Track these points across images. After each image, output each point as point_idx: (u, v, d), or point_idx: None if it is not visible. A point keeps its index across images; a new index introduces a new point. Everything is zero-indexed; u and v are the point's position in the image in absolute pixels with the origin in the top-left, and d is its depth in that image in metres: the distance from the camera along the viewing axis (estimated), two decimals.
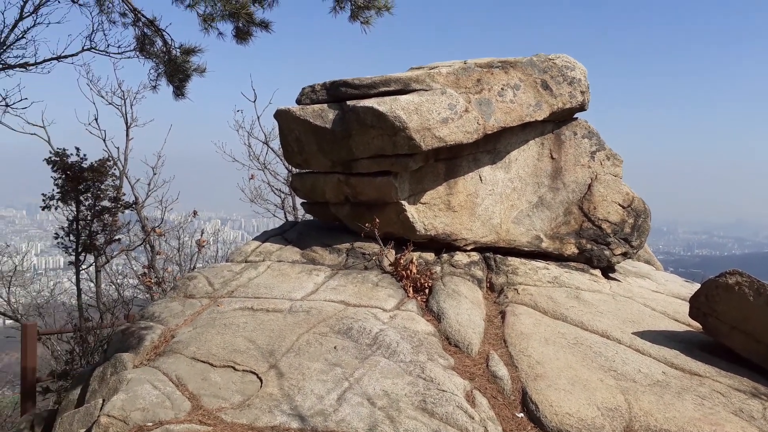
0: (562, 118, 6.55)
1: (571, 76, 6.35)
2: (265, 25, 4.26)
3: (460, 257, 6.22)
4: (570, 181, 6.56)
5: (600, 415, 3.83)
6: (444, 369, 4.23)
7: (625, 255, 6.67)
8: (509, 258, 6.38)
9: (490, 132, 5.89)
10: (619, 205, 6.61)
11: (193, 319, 4.85)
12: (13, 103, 6.98)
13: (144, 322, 4.88)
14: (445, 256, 6.24)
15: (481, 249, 6.46)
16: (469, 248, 6.39)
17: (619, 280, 6.58)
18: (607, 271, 6.75)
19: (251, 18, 3.98)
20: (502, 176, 6.40)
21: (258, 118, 11.07)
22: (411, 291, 5.54)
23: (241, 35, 4.16)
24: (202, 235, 9.80)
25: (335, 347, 4.34)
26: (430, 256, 6.28)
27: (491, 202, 6.34)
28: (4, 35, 6.12)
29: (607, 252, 6.53)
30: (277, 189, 11.06)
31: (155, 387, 3.77)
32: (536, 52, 6.52)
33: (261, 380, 3.95)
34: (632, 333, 5.08)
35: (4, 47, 6.03)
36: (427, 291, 5.58)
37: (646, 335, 5.08)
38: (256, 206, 11.39)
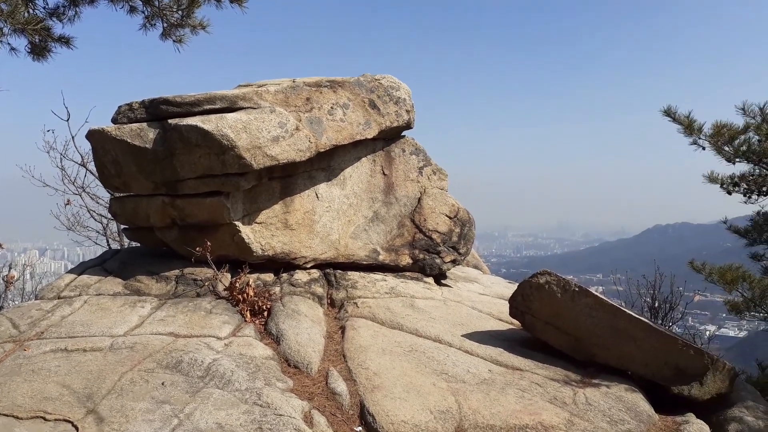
0: (391, 136, 6.82)
1: (397, 95, 6.64)
2: (66, 41, 3.87)
3: (300, 275, 6.18)
4: (402, 196, 6.84)
5: (433, 419, 4.00)
6: (282, 392, 4.13)
7: (454, 262, 7.10)
8: (349, 272, 6.47)
9: (322, 150, 5.94)
10: (447, 216, 7.03)
11: None
12: None
13: None
14: (284, 275, 6.15)
15: (322, 266, 6.48)
16: (309, 266, 6.37)
17: (450, 286, 6.98)
18: (440, 278, 7.13)
19: (48, 33, 3.59)
20: (338, 193, 6.48)
21: (73, 138, 10.01)
22: (248, 315, 5.36)
23: (38, 51, 3.74)
24: (9, 271, 8.64)
25: (163, 383, 4.04)
26: (269, 276, 6.14)
27: (329, 218, 6.39)
28: None
29: (438, 260, 6.90)
30: (98, 214, 10.12)
31: None
32: (369, 72, 6.72)
33: (77, 428, 3.54)
34: (461, 335, 5.40)
35: None
36: (266, 313, 5.45)
37: (474, 336, 5.42)
38: (74, 234, 10.31)
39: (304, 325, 5.21)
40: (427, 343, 5.20)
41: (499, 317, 6.15)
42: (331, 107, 6.09)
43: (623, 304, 6.85)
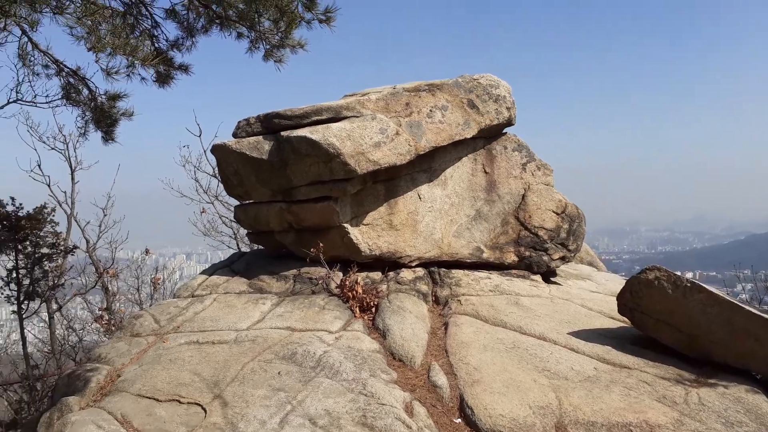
0: (491, 134, 6.86)
1: (496, 93, 6.67)
2: (185, 69, 4.44)
3: (406, 274, 6.42)
4: (504, 193, 6.85)
5: (531, 414, 4.04)
6: (386, 383, 4.38)
7: (563, 259, 6.97)
8: (453, 271, 6.60)
9: (422, 152, 6.14)
10: (553, 212, 6.92)
11: (139, 357, 4.91)
12: None
13: (90, 364, 4.91)
14: (391, 273, 6.42)
15: (426, 264, 6.67)
16: (413, 264, 6.59)
17: (559, 284, 6.87)
18: (549, 275, 7.04)
19: (170, 63, 4.15)
20: (439, 193, 6.65)
21: (204, 152, 11.16)
22: (358, 311, 5.69)
23: (162, 79, 4.32)
24: (156, 273, 9.78)
25: (279, 372, 4.46)
26: (377, 275, 6.45)
27: (431, 218, 6.57)
28: None
29: (545, 257, 6.82)
30: (230, 220, 11.13)
31: (99, 427, 3.83)
32: (470, 70, 6.84)
33: (206, 411, 4.04)
34: (567, 333, 5.33)
35: None
36: (373, 309, 5.74)
37: (580, 334, 5.33)
38: (211, 239, 11.42)
39: (409, 320, 5.43)
40: (530, 340, 5.21)
41: (610, 315, 5.96)
42: (430, 110, 6.27)
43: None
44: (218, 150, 6.37)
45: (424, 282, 6.35)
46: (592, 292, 6.79)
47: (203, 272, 6.93)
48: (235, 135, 6.43)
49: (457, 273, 6.54)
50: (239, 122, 6.45)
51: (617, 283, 7.53)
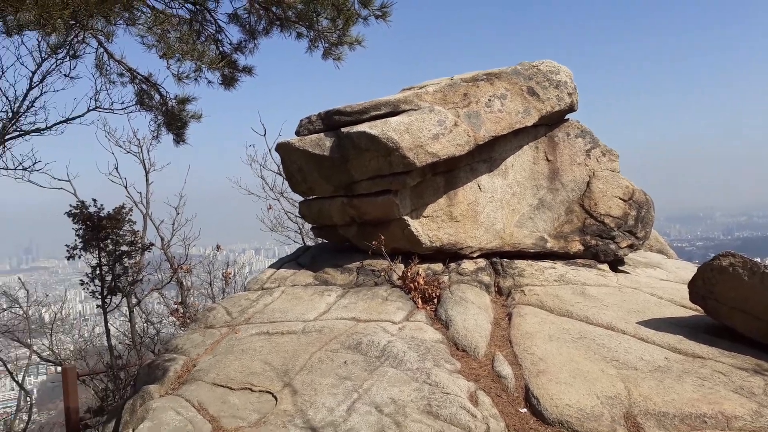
0: (552, 121, 6.73)
1: (557, 80, 6.54)
2: (248, 70, 4.62)
3: (467, 265, 6.42)
4: (568, 181, 6.72)
5: (599, 404, 3.98)
6: (450, 373, 4.43)
7: (631, 247, 6.77)
8: (516, 261, 6.55)
9: (481, 142, 6.11)
10: (620, 198, 6.73)
11: (213, 348, 5.16)
12: (29, 167, 7.55)
13: (168, 354, 5.21)
14: (452, 265, 6.44)
15: (488, 255, 6.64)
16: (475, 255, 6.58)
17: (627, 272, 6.68)
18: (616, 264, 6.86)
19: (235, 66, 4.33)
20: (500, 183, 6.60)
21: (269, 150, 11.54)
22: (420, 302, 5.76)
23: (228, 81, 4.52)
24: (227, 268, 10.19)
25: (345, 362, 4.59)
26: (438, 266, 6.49)
27: (492, 208, 6.54)
28: (16, 105, 6.70)
29: (612, 246, 6.65)
30: (295, 216, 11.43)
31: (178, 413, 4.07)
32: (539, 56, 6.75)
33: (276, 399, 4.22)
34: (636, 323, 5.19)
35: (18, 116, 6.57)
36: (435, 300, 5.79)
37: (650, 323, 5.18)
38: (277, 235, 11.78)
39: (471, 311, 5.44)
40: (597, 330, 5.11)
41: (681, 303, 5.75)
42: (489, 99, 6.23)
43: None
44: (282, 148, 6.58)
45: (486, 273, 6.33)
46: (662, 281, 6.56)
47: (271, 266, 7.18)
48: (297, 133, 6.61)
49: (520, 263, 6.48)
50: (301, 120, 6.62)
51: (689, 270, 7.24)
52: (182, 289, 10.11)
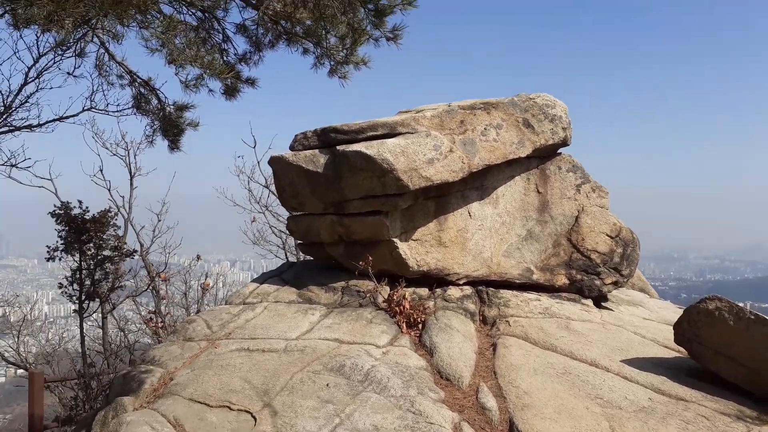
0: (545, 154, 6.79)
1: (552, 113, 6.61)
2: (251, 82, 4.58)
3: (453, 291, 6.38)
4: (557, 214, 6.75)
5: None
6: (434, 402, 4.35)
7: (615, 284, 6.81)
8: (501, 291, 6.53)
9: (475, 170, 6.12)
10: (607, 235, 6.78)
11: (192, 362, 5.02)
12: (18, 163, 7.38)
13: (144, 366, 5.05)
14: (438, 290, 6.40)
15: (474, 283, 6.62)
16: (461, 282, 6.55)
17: (611, 309, 6.70)
18: (600, 300, 6.87)
19: (238, 77, 4.29)
20: (490, 211, 6.61)
21: (258, 162, 11.42)
22: (404, 326, 5.68)
23: (230, 92, 4.47)
24: (206, 279, 10.01)
25: (328, 384, 4.49)
26: (424, 291, 6.43)
27: (481, 236, 6.53)
28: (9, 100, 6.55)
29: (597, 282, 6.67)
30: (279, 230, 11.32)
31: (153, 428, 3.93)
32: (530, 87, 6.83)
33: (255, 419, 4.10)
34: (620, 361, 5.19)
35: (10, 111, 6.43)
36: (420, 326, 5.72)
37: (634, 362, 5.18)
38: (259, 248, 11.63)
39: (456, 339, 5.39)
40: (581, 366, 5.09)
41: (664, 344, 5.78)
42: (485, 128, 6.26)
43: None
44: (275, 162, 6.51)
45: (472, 301, 6.30)
46: (644, 320, 6.59)
47: (254, 280, 7.06)
48: (292, 148, 6.56)
49: (506, 293, 6.46)
50: (296, 135, 6.58)
51: (671, 311, 7.30)
52: (158, 297, 9.89)
